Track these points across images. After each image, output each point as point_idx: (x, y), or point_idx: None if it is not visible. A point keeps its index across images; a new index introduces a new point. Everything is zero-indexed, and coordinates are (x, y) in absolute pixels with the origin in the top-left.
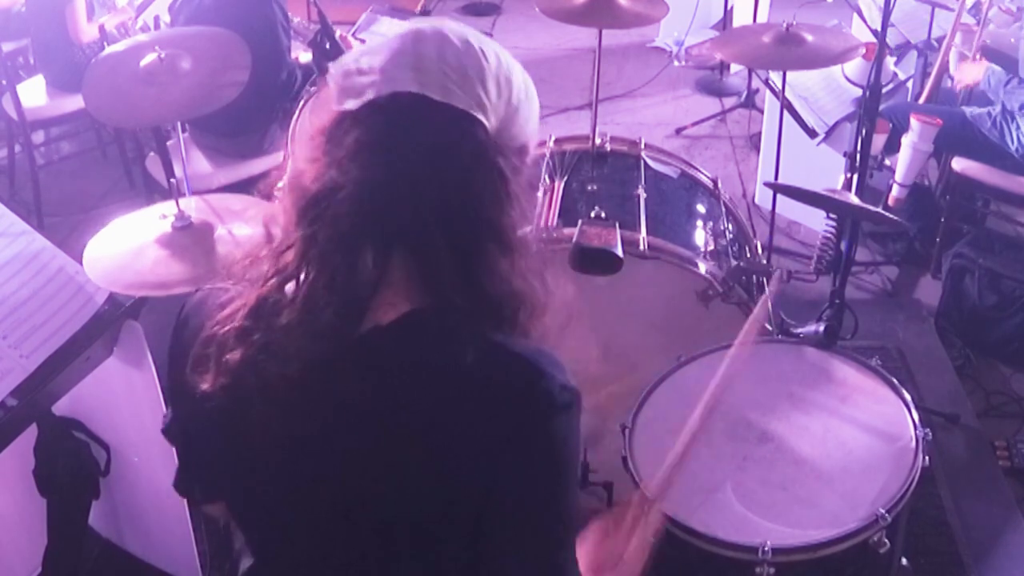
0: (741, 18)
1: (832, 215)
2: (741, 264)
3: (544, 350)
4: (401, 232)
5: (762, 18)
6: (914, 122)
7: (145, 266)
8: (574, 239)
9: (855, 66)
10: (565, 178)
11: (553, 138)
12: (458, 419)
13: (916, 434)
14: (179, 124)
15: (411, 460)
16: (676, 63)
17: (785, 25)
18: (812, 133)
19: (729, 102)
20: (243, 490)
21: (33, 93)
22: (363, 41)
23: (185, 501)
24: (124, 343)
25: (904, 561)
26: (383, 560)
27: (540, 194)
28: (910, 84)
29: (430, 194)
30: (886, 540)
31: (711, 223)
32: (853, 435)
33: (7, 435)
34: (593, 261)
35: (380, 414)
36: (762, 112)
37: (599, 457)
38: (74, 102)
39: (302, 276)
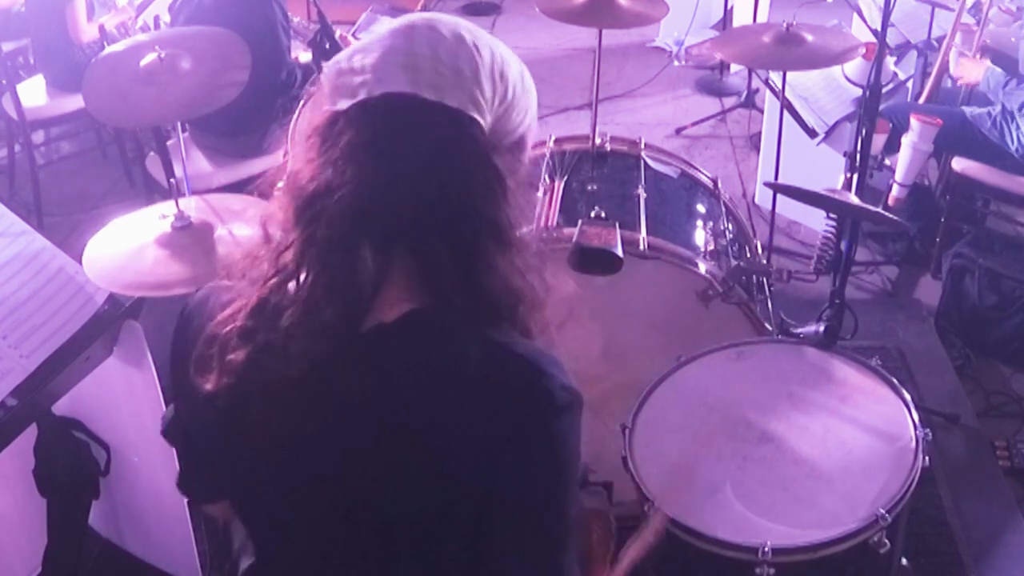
0: (741, 18)
1: (832, 215)
2: (741, 264)
3: (545, 351)
4: (399, 231)
5: (762, 18)
6: (914, 122)
7: (145, 266)
8: (574, 239)
9: (855, 66)
10: (565, 178)
11: (553, 138)
12: (458, 419)
13: (916, 434)
14: (179, 124)
15: (411, 460)
16: (676, 63)
17: (785, 25)
18: (812, 133)
19: (729, 102)
20: (244, 489)
21: (33, 93)
22: None
23: (185, 501)
24: (124, 343)
25: (904, 561)
26: (383, 560)
27: (540, 194)
28: (910, 84)
29: (426, 194)
30: (886, 540)
31: (711, 223)
32: (853, 435)
33: (7, 435)
34: (593, 261)
35: (380, 414)
36: (762, 112)
37: (599, 456)
38: (74, 102)
39: (302, 276)
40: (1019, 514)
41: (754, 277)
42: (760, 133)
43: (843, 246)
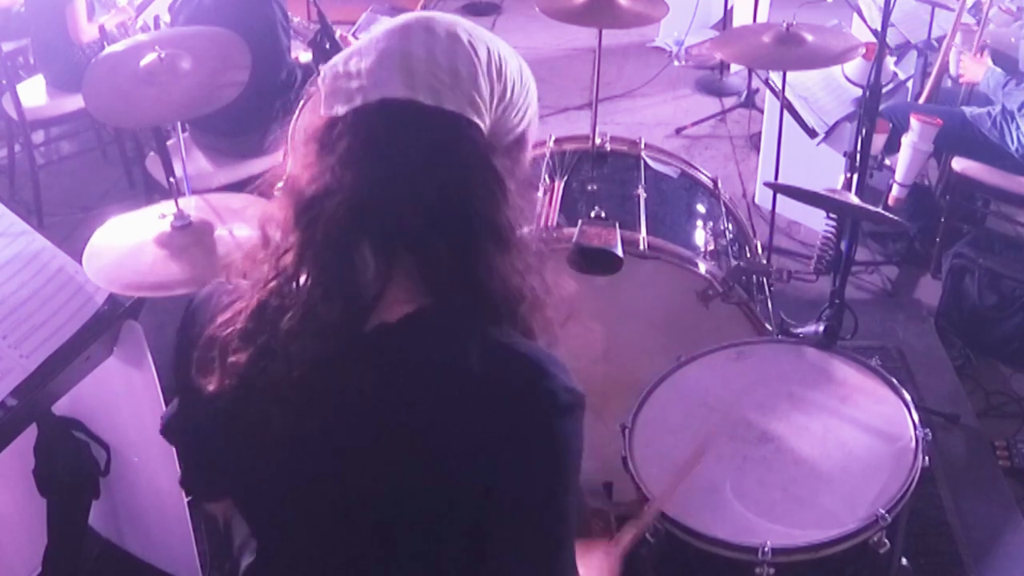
0: (741, 18)
1: (832, 215)
2: (741, 264)
3: (549, 352)
4: (398, 232)
5: (762, 18)
6: (914, 122)
7: (145, 266)
8: (574, 239)
9: (855, 66)
10: (565, 178)
11: (553, 138)
12: (459, 418)
13: (916, 434)
14: (179, 124)
15: (412, 459)
16: (676, 63)
17: (785, 25)
18: (812, 133)
19: (729, 102)
20: (244, 488)
21: (33, 93)
22: None
23: (185, 501)
24: (124, 343)
25: (904, 561)
26: (383, 559)
27: (540, 194)
28: (910, 84)
29: (425, 196)
30: (886, 540)
31: (711, 223)
32: (853, 435)
33: (7, 435)
34: (593, 261)
35: (381, 413)
36: (762, 112)
37: (597, 454)
38: (74, 102)
39: (302, 278)
40: (1019, 514)
41: (754, 277)
42: (760, 133)
43: (843, 246)
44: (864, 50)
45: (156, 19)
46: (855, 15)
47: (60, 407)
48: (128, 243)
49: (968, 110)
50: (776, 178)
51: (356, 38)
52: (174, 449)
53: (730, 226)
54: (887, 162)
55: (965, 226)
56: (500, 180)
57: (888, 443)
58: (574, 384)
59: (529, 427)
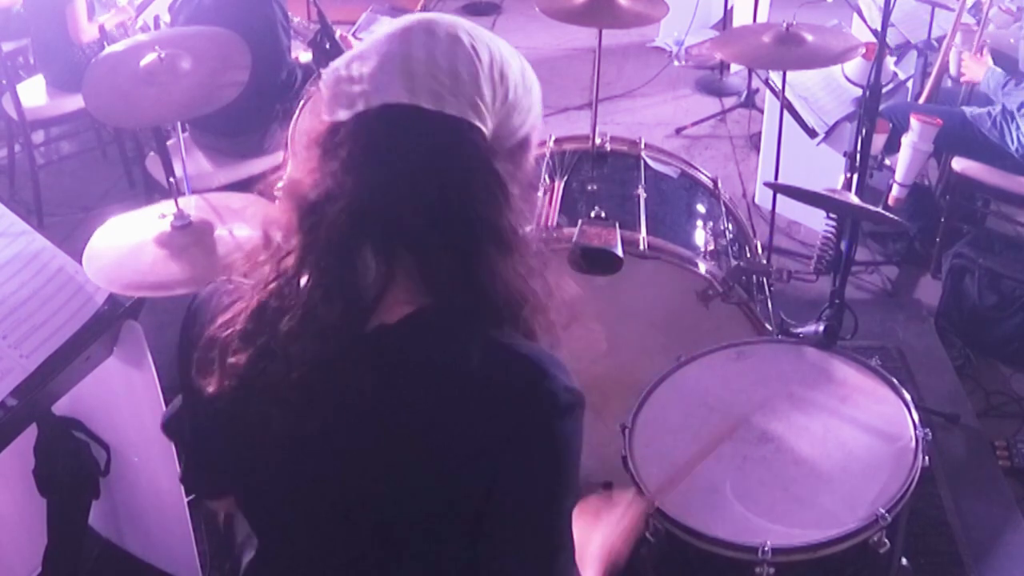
0: (741, 18)
1: (832, 215)
2: (741, 264)
3: (548, 352)
4: (400, 235)
5: (762, 18)
6: (914, 122)
7: (145, 266)
8: (574, 239)
9: (855, 66)
10: (565, 178)
11: (553, 138)
12: (459, 418)
13: (916, 434)
14: (179, 124)
15: (412, 459)
16: (676, 63)
17: (785, 25)
18: (812, 133)
19: (729, 102)
20: (245, 488)
21: (33, 93)
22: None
23: (185, 501)
24: (124, 343)
25: (904, 561)
26: (383, 559)
27: (540, 194)
28: (910, 84)
29: (427, 201)
30: (886, 540)
31: (711, 223)
32: (853, 435)
33: (7, 435)
34: (593, 261)
35: (381, 413)
36: (762, 112)
37: (599, 455)
38: (74, 102)
39: (303, 280)
40: (1019, 514)
41: (754, 277)
42: (760, 133)
43: (843, 246)
44: (864, 50)
45: (156, 19)
46: (855, 15)
47: (60, 407)
48: (128, 243)
49: (968, 110)
50: (776, 178)
51: (356, 38)
52: (174, 448)
53: (730, 226)
54: (887, 162)
55: (965, 226)
56: (502, 184)
57: (888, 443)
58: (573, 383)
59: (529, 428)
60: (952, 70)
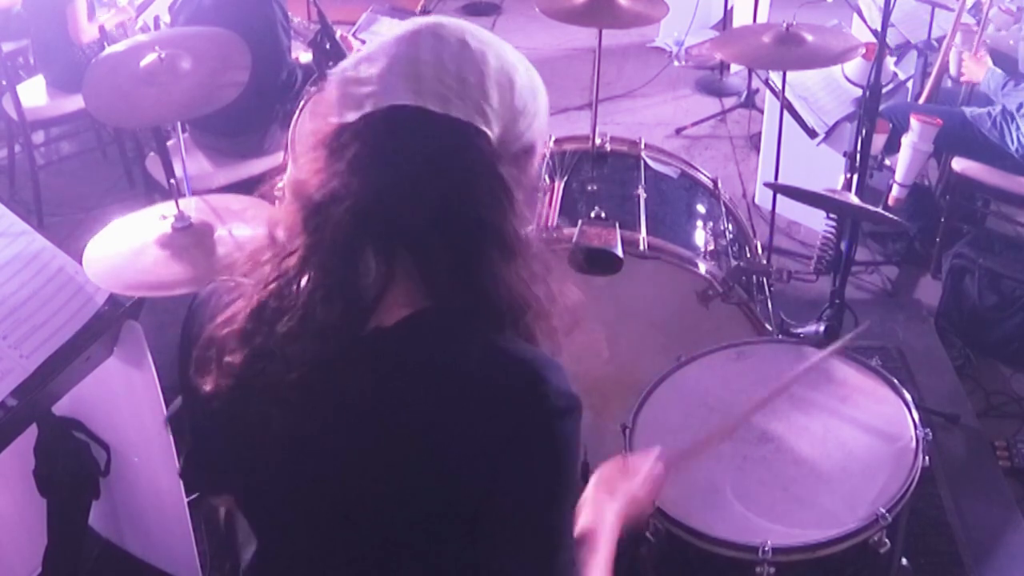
0: (741, 18)
1: (832, 215)
2: (741, 264)
3: (547, 356)
4: (402, 237)
5: (762, 18)
6: (914, 122)
7: (145, 266)
8: (574, 239)
9: (855, 66)
10: (565, 178)
11: (553, 138)
12: (458, 419)
13: (916, 434)
14: (179, 124)
15: (411, 459)
16: (676, 63)
17: (785, 25)
18: (812, 133)
19: (729, 102)
20: (245, 488)
21: (33, 93)
22: (363, 42)
23: (185, 501)
24: (124, 343)
25: (904, 561)
26: (383, 559)
27: (540, 194)
28: (910, 84)
29: (431, 203)
30: (886, 540)
31: (711, 223)
32: (853, 435)
33: (7, 435)
34: (593, 261)
35: (380, 413)
36: (762, 112)
37: (599, 455)
38: (74, 102)
39: (303, 281)
40: (1019, 514)
41: (754, 277)
42: (760, 133)
43: (843, 246)
44: (864, 50)
45: (156, 19)
46: (855, 15)
47: (60, 407)
48: (129, 244)
49: (968, 110)
50: (776, 178)
51: (356, 38)
52: (174, 446)
53: (730, 226)
54: (887, 162)
55: (965, 226)
56: (507, 188)
57: (888, 443)
58: (570, 387)
59: (526, 430)
60: (952, 70)
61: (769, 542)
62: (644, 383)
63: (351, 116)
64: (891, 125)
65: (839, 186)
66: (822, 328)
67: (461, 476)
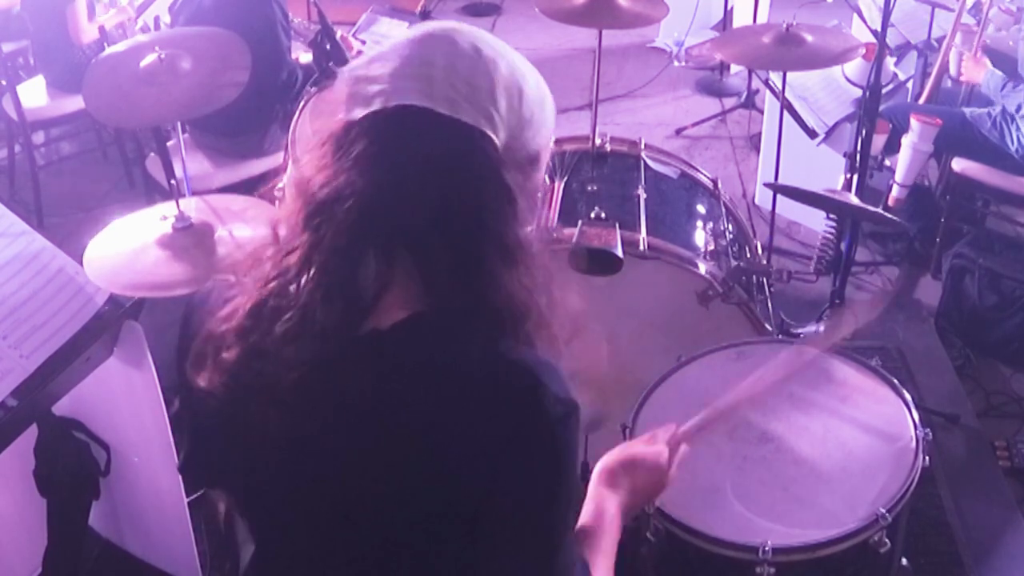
0: (741, 18)
1: (832, 215)
2: (741, 264)
3: (544, 359)
4: (403, 239)
5: (762, 18)
6: (914, 122)
7: (145, 267)
8: (574, 239)
9: (855, 66)
10: (565, 178)
11: (553, 138)
12: (457, 419)
13: (916, 434)
14: (179, 124)
15: (411, 460)
16: (676, 63)
17: (785, 25)
18: (812, 133)
19: (729, 102)
20: (244, 488)
21: (33, 93)
22: (363, 42)
23: (185, 501)
24: (124, 343)
25: (904, 561)
26: (383, 560)
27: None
28: (910, 84)
29: (434, 204)
30: (886, 540)
31: (711, 223)
32: (853, 435)
33: (7, 435)
34: (593, 261)
35: (380, 414)
36: (762, 112)
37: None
38: (74, 102)
39: (303, 279)
40: (1019, 514)
41: (754, 277)
42: (760, 133)
43: (843, 246)
44: (864, 50)
45: (156, 20)
46: (855, 15)
47: (60, 407)
48: (129, 244)
49: (968, 111)
50: (776, 178)
51: (356, 38)
52: (173, 444)
53: (730, 226)
54: (887, 163)
55: (965, 226)
56: (511, 194)
57: (888, 443)
58: (568, 391)
59: (525, 433)
60: (952, 70)
61: (769, 542)
62: (644, 383)
63: (359, 113)
64: (891, 125)
65: (839, 186)
66: (822, 328)
67: (461, 477)
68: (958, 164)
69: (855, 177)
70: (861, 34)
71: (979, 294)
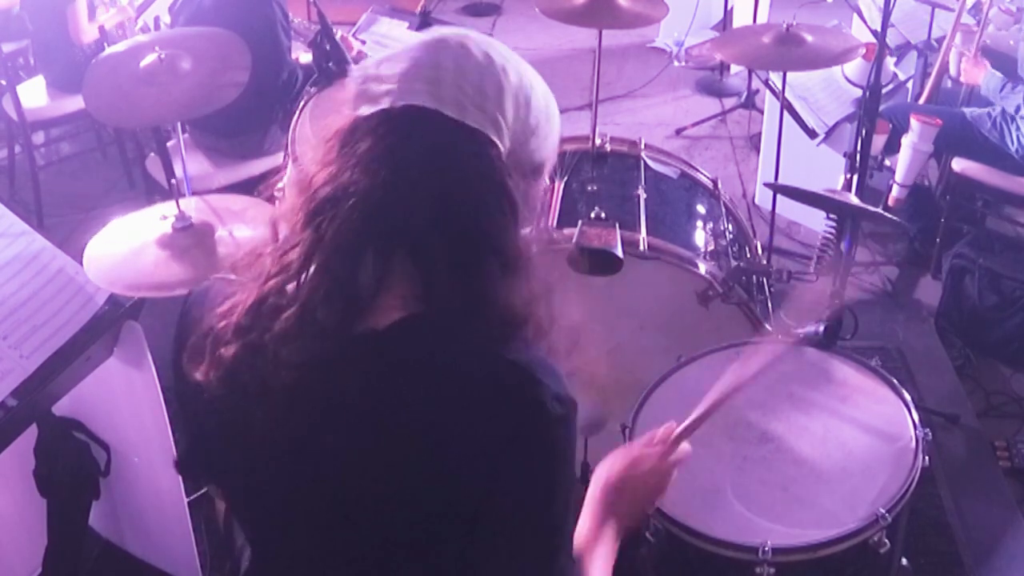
0: (741, 18)
1: (832, 215)
2: (741, 264)
3: (541, 359)
4: (402, 240)
5: (762, 18)
6: (914, 122)
7: (145, 267)
8: (574, 240)
9: (855, 66)
10: (565, 178)
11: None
12: (456, 419)
13: (916, 434)
14: (179, 124)
15: (410, 460)
16: (676, 63)
17: (785, 25)
18: (812, 133)
19: (729, 103)
20: (243, 488)
21: (33, 94)
22: (363, 42)
23: (185, 501)
24: (124, 343)
25: (904, 561)
26: (382, 560)
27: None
28: (910, 84)
29: (436, 205)
30: (886, 540)
31: (711, 223)
32: (853, 435)
33: (7, 435)
34: (593, 261)
35: (379, 414)
36: (762, 112)
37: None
38: (74, 102)
39: (303, 277)
40: (1019, 514)
41: (754, 277)
42: (760, 133)
43: (843, 246)
44: (864, 50)
45: (156, 20)
46: (855, 15)
47: (60, 408)
48: (129, 244)
49: (968, 111)
50: (776, 178)
51: (356, 38)
52: (175, 437)
53: (730, 226)
54: (887, 163)
55: (965, 226)
56: (512, 202)
57: (888, 443)
58: (566, 392)
59: (522, 434)
60: (952, 71)
61: (769, 542)
62: (644, 383)
63: (367, 111)
64: (891, 125)
65: (839, 186)
66: (822, 328)
67: (460, 476)
68: (958, 164)
69: (855, 177)
70: (861, 34)
71: (979, 294)
